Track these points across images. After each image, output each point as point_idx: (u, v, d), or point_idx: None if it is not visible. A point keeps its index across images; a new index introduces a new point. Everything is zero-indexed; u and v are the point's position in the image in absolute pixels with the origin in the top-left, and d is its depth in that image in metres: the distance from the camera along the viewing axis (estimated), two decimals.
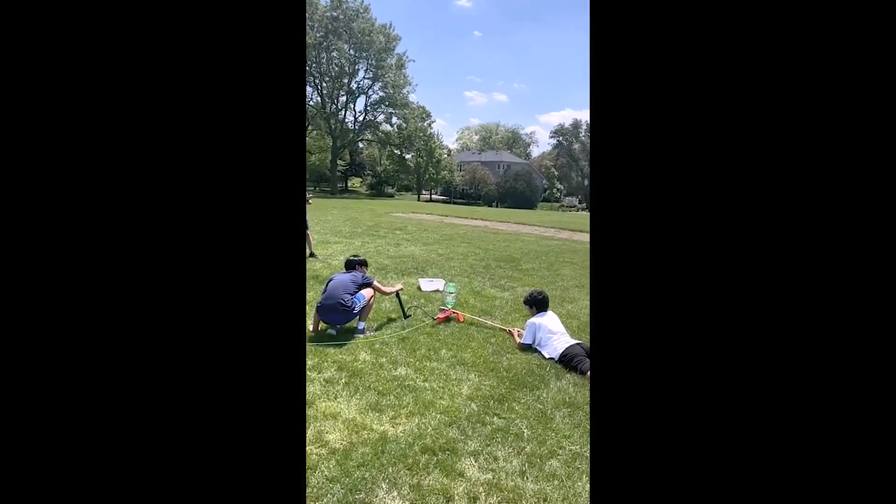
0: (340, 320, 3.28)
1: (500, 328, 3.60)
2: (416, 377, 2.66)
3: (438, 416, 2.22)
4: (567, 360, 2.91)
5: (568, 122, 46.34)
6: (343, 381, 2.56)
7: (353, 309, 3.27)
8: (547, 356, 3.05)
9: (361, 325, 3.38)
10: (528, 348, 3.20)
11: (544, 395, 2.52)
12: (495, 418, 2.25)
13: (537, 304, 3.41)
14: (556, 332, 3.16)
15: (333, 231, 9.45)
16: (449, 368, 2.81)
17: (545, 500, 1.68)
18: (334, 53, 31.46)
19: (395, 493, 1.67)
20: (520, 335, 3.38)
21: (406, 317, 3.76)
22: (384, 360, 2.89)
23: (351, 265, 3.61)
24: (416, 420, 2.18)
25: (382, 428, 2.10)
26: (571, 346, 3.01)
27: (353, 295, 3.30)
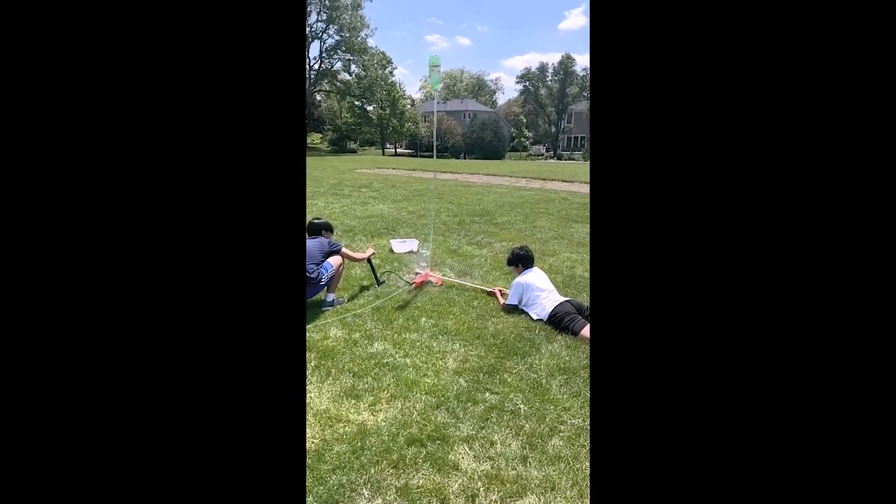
0: (306, 294, 2.93)
1: (482, 289, 3.35)
2: (396, 353, 2.39)
3: (424, 397, 1.98)
4: (558, 320, 2.71)
5: (534, 67, 44.57)
6: (312, 363, 2.25)
7: (320, 280, 2.91)
8: (535, 318, 2.83)
9: (330, 297, 3.04)
10: (514, 310, 2.97)
11: (537, 361, 2.31)
12: (487, 394, 2.03)
13: (522, 260, 3.15)
14: (544, 290, 2.93)
15: None
16: (431, 339, 2.55)
17: (553, 489, 1.49)
18: None
19: (380, 501, 1.43)
20: (503, 295, 3.15)
21: (380, 283, 3.44)
22: (358, 335, 2.59)
23: (316, 230, 3.17)
24: (399, 405, 1.92)
25: (360, 418, 1.83)
26: (561, 303, 2.80)
27: (319, 265, 2.92)
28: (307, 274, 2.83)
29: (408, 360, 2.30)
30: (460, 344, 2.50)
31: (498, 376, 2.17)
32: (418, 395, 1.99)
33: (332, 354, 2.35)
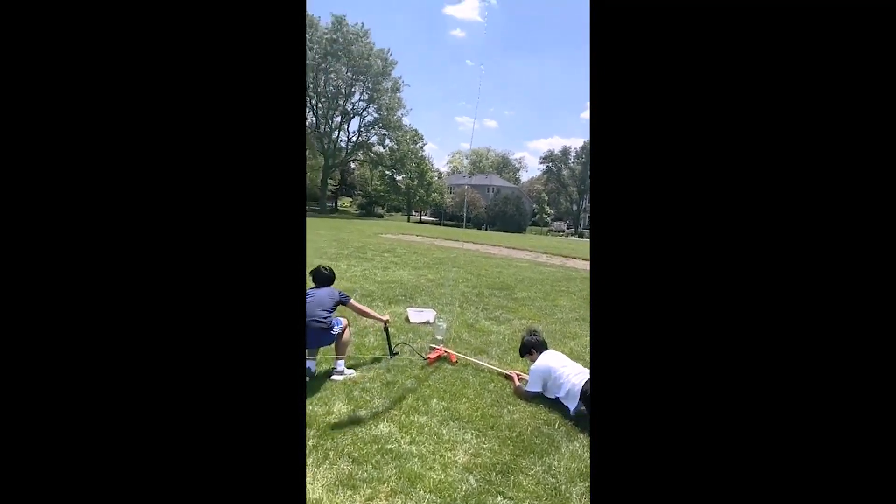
0: (320, 341, 2.83)
1: (499, 372, 3.16)
2: (401, 438, 2.20)
3: (428, 495, 1.77)
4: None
5: (557, 149, 47.04)
6: (311, 442, 2.09)
7: (332, 329, 2.83)
8: (569, 406, 2.55)
9: (340, 366, 2.92)
10: (534, 397, 2.76)
11: (556, 462, 2.08)
12: (500, 498, 1.80)
13: (536, 346, 2.99)
14: (566, 365, 2.72)
15: (318, 252, 8.98)
16: (440, 425, 2.36)
17: None
18: (332, 75, 31.56)
19: None
20: (521, 381, 2.95)
21: (392, 355, 3.30)
22: (363, 412, 2.43)
23: (329, 280, 3.13)
24: (399, 502, 1.72)
25: None
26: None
27: (330, 313, 2.87)
28: (320, 321, 2.76)
29: (413, 448, 2.11)
30: (472, 434, 2.29)
31: (512, 477, 1.95)
32: (422, 492, 1.78)
33: (334, 434, 2.18)
